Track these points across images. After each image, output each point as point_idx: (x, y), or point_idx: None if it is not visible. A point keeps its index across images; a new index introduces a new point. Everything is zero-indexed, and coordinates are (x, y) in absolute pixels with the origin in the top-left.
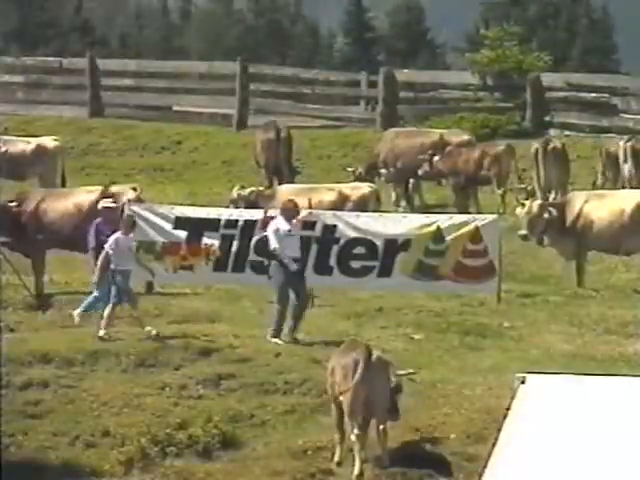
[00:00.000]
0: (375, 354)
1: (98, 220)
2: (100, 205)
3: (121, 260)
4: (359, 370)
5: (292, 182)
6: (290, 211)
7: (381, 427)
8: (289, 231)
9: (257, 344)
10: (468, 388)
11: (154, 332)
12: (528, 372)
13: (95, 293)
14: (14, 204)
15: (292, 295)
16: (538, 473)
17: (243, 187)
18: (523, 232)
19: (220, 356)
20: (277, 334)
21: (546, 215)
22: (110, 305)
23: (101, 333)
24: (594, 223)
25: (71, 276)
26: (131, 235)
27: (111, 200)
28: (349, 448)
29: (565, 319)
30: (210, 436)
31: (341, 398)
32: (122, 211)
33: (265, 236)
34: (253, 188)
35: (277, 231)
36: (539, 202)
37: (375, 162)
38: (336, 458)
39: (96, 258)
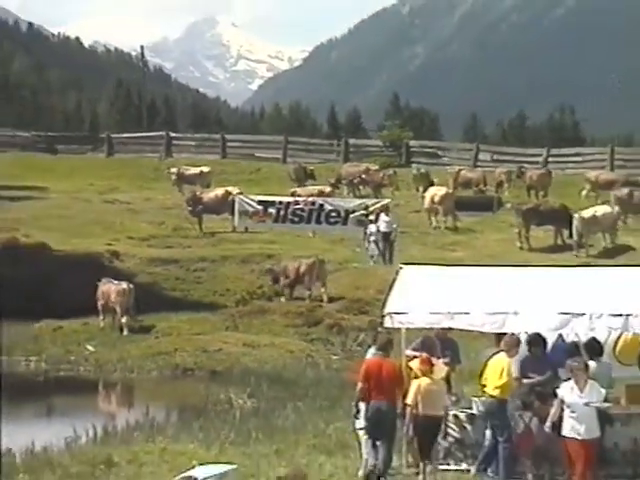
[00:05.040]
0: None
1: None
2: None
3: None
4: (317, 264)
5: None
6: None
7: (325, 289)
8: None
9: (291, 253)
10: (379, 272)
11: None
12: (404, 264)
13: None
14: (200, 193)
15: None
16: (412, 303)
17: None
18: None
19: (275, 259)
20: None
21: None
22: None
23: None
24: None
25: (217, 225)
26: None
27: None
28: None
29: (418, 242)
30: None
31: (306, 277)
32: (233, 200)
33: (298, 207)
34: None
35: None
36: None
37: (339, 178)
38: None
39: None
